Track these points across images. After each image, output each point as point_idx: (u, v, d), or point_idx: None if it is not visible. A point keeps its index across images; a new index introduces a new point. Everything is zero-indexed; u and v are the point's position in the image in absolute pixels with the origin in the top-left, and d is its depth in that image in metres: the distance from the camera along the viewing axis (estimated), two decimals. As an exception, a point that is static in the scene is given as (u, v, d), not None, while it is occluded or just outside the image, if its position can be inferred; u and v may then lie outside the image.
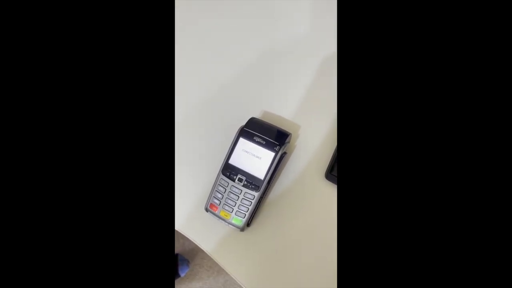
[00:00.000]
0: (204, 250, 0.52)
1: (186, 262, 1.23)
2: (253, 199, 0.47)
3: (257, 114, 0.54)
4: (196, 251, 1.26)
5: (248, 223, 0.49)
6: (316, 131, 0.51)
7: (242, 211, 0.48)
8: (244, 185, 0.48)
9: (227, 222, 0.49)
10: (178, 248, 1.27)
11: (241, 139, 0.48)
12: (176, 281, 1.23)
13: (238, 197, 0.48)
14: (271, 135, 0.48)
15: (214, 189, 0.49)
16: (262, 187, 0.47)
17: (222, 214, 0.49)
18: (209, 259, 1.24)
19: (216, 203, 0.49)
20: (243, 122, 0.49)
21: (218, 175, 0.49)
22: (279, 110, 0.54)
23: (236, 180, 0.48)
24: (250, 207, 0.48)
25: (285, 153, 0.49)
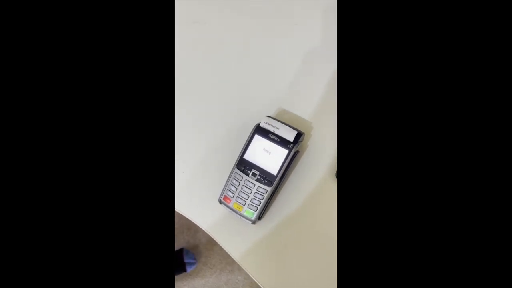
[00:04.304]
0: (215, 239, 0.54)
1: (193, 256, 1.24)
2: (265, 194, 0.50)
3: (272, 113, 0.56)
4: (200, 248, 1.27)
5: (260, 217, 0.51)
6: (328, 132, 0.53)
7: (255, 205, 0.50)
8: (257, 180, 0.50)
9: (239, 214, 0.51)
10: (182, 245, 1.29)
11: (256, 136, 0.51)
12: (180, 277, 1.24)
13: (251, 191, 0.50)
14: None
15: (228, 182, 0.51)
16: (275, 182, 0.49)
17: (235, 206, 0.51)
18: (213, 257, 1.26)
19: (229, 196, 0.51)
20: (259, 120, 0.51)
21: (233, 169, 0.51)
22: (294, 110, 0.56)
23: (250, 174, 0.50)
24: (262, 201, 0.50)
25: (298, 151, 0.51)
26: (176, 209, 0.56)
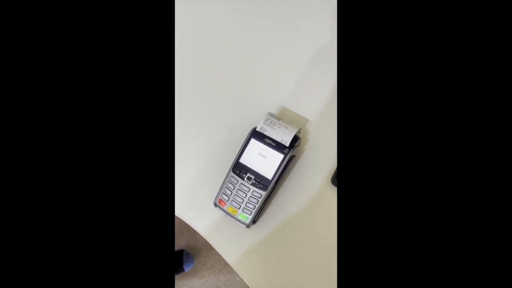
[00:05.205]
0: (209, 242, 0.54)
1: (191, 258, 1.25)
2: (260, 198, 0.50)
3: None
4: (200, 249, 1.28)
5: (254, 221, 0.51)
6: (325, 138, 0.53)
7: (249, 208, 0.50)
8: (252, 184, 0.50)
9: (234, 218, 0.51)
10: (182, 245, 1.29)
11: (253, 140, 0.51)
12: (179, 277, 1.25)
13: (246, 194, 0.50)
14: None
15: (223, 185, 0.52)
16: (270, 186, 0.49)
17: (229, 210, 0.51)
18: (212, 257, 1.26)
19: (224, 199, 0.51)
20: (257, 123, 0.51)
21: (229, 172, 0.51)
22: (292, 114, 0.56)
23: (245, 178, 0.50)
24: (257, 205, 0.50)
25: (293, 156, 0.51)
26: (171, 211, 0.56)
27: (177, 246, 1.28)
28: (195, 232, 1.29)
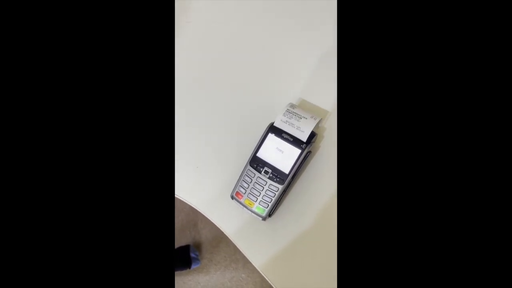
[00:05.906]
0: (226, 233, 0.55)
1: (198, 257, 1.26)
2: (277, 191, 0.51)
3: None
4: (205, 245, 1.29)
5: (270, 214, 0.52)
6: (341, 134, 0.55)
7: (266, 201, 0.51)
8: (269, 178, 0.51)
9: (250, 210, 0.52)
10: (188, 241, 1.30)
11: (270, 135, 0.52)
12: (184, 272, 1.26)
13: (263, 188, 0.51)
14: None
15: (241, 178, 0.53)
16: (287, 180, 0.50)
17: (246, 202, 0.52)
18: (218, 254, 1.28)
19: (242, 192, 0.53)
20: (273, 118, 0.53)
21: (246, 166, 0.53)
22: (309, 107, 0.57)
23: (263, 172, 0.51)
24: (274, 198, 0.51)
25: (310, 151, 0.52)
26: (190, 204, 0.57)
27: (184, 242, 1.30)
28: (201, 228, 1.31)
